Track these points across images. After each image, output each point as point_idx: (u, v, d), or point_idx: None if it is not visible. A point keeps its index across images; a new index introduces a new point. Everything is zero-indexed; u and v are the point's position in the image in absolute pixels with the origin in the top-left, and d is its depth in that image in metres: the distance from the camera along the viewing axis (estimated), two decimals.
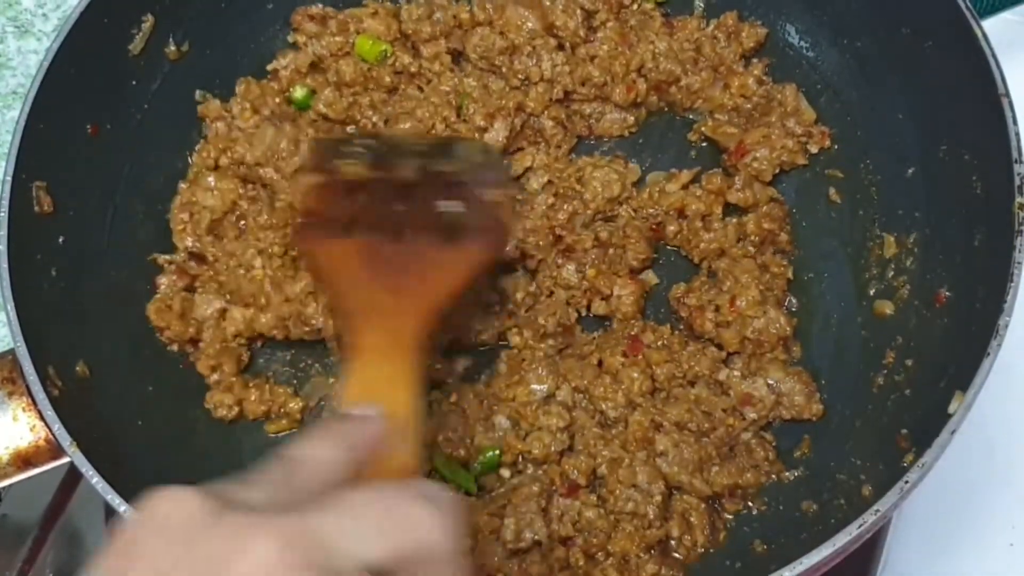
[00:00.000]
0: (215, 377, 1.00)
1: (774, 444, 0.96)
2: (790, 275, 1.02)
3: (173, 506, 0.53)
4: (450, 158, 0.91)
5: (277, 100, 1.09)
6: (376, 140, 0.94)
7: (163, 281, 1.01)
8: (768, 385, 0.95)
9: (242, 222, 1.04)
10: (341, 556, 0.51)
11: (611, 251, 1.02)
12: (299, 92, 1.09)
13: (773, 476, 0.94)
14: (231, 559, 0.49)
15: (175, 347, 1.00)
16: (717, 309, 0.99)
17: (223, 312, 1.00)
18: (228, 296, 1.00)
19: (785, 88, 1.07)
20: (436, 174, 0.89)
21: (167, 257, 1.02)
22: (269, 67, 1.10)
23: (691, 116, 1.11)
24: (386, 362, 0.72)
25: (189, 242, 1.02)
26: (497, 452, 0.94)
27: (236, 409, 0.98)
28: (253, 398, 0.99)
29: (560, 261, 1.01)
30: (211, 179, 1.04)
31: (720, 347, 0.98)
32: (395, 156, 0.91)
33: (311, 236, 0.85)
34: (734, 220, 1.03)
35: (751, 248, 1.02)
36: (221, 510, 0.52)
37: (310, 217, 0.86)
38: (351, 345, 0.73)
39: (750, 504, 0.94)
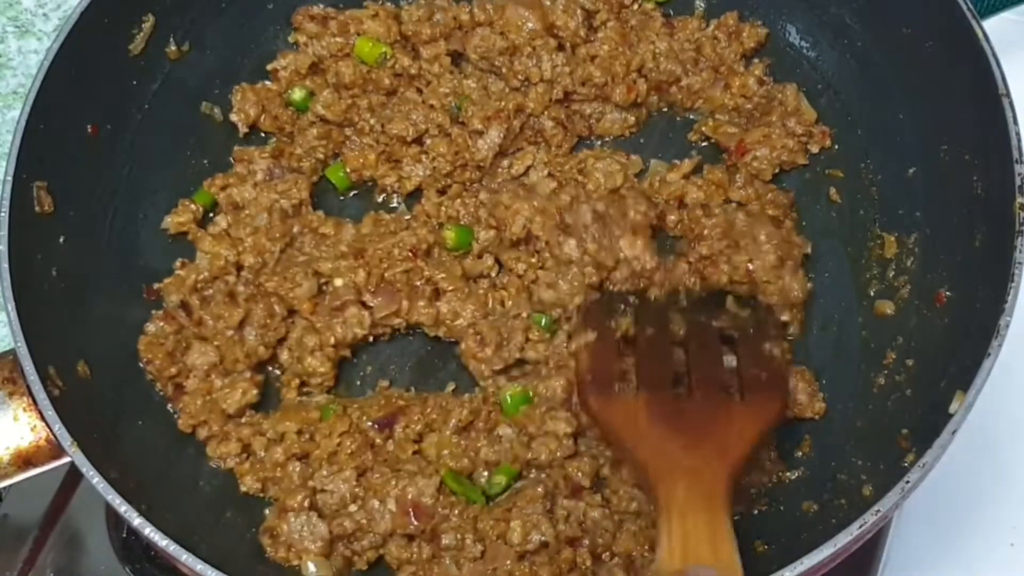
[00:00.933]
0: (203, 433, 0.97)
1: (775, 444, 0.95)
2: (808, 250, 1.02)
3: None
4: (718, 312, 0.91)
5: (276, 102, 1.09)
6: (643, 295, 0.95)
7: (151, 327, 0.99)
8: None
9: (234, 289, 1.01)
10: None
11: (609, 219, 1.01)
12: (297, 94, 1.09)
13: (776, 476, 0.94)
14: None
15: (157, 385, 0.98)
16: (733, 265, 0.98)
17: (215, 368, 0.98)
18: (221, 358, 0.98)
19: (786, 88, 1.08)
20: (706, 328, 0.90)
21: (157, 313, 1.00)
22: (269, 67, 1.10)
23: (692, 116, 1.11)
24: (702, 518, 0.72)
25: (174, 298, 1.00)
26: (513, 472, 0.94)
27: (244, 454, 0.96)
28: (254, 438, 0.96)
29: (561, 238, 1.00)
30: (208, 241, 1.03)
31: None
32: (663, 311, 0.92)
33: (596, 395, 0.85)
34: (734, 205, 1.04)
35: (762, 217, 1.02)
36: None
37: (588, 375, 0.87)
38: (661, 505, 0.74)
39: (752, 504, 0.94)
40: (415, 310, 0.99)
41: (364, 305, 0.99)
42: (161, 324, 0.98)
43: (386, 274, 1.00)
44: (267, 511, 0.94)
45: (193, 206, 1.05)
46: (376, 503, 0.91)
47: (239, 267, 1.02)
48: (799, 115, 1.06)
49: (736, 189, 1.04)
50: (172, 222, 1.04)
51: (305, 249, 1.03)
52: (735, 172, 1.05)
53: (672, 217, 1.04)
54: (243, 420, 0.97)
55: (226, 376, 0.98)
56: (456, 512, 0.92)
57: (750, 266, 0.98)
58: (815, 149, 1.07)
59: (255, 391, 0.97)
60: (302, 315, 1.00)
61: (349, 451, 0.94)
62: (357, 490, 0.92)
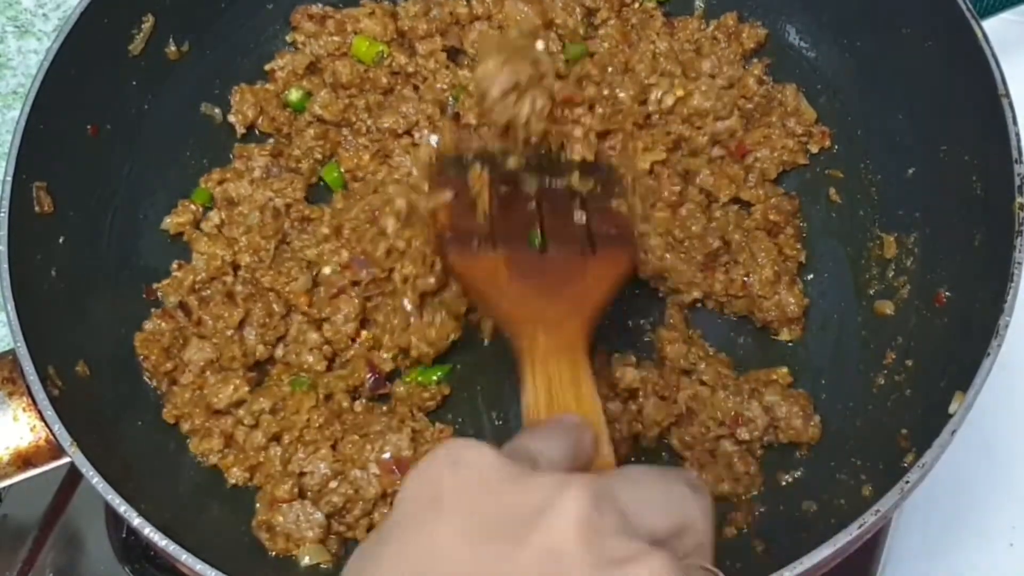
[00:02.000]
0: (186, 426, 0.96)
1: (759, 459, 0.95)
2: (802, 259, 1.02)
3: (476, 455, 0.53)
4: (563, 174, 0.92)
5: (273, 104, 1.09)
6: (490, 156, 0.95)
7: (148, 325, 0.98)
8: (764, 407, 0.94)
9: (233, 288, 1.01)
10: (635, 523, 0.52)
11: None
12: (295, 94, 1.09)
13: (753, 491, 0.93)
14: (543, 512, 0.49)
15: (152, 380, 0.97)
16: (729, 278, 0.99)
17: (211, 364, 0.98)
18: (219, 355, 0.98)
19: (785, 88, 1.08)
20: (556, 187, 0.90)
21: (156, 311, 1.00)
22: (267, 67, 1.10)
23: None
24: (564, 366, 0.73)
25: (173, 299, 1.00)
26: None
27: (226, 451, 0.96)
28: (236, 428, 0.96)
29: None
30: (203, 242, 1.03)
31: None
32: (516, 172, 0.91)
33: (458, 252, 0.85)
34: (736, 208, 1.04)
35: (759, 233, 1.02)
36: (528, 466, 0.53)
37: (450, 232, 0.87)
38: (523, 355, 0.75)
39: (751, 508, 0.93)
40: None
41: (355, 284, 0.99)
42: (159, 322, 0.98)
43: (357, 247, 1.00)
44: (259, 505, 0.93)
45: (193, 206, 1.05)
46: (358, 472, 0.92)
47: (236, 266, 1.02)
48: (799, 115, 1.06)
49: (748, 189, 1.04)
50: (172, 223, 1.04)
51: (295, 243, 1.04)
52: (749, 171, 1.05)
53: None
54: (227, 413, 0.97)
55: (220, 372, 0.98)
56: None
57: (746, 279, 0.98)
58: (815, 149, 1.07)
59: (246, 388, 0.96)
60: (299, 309, 1.00)
61: (317, 425, 0.94)
62: (336, 465, 0.92)
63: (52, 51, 0.93)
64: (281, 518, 0.90)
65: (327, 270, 1.01)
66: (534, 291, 0.81)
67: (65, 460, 0.84)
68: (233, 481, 0.94)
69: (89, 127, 0.98)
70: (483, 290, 0.84)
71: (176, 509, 0.88)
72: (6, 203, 0.89)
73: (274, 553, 0.91)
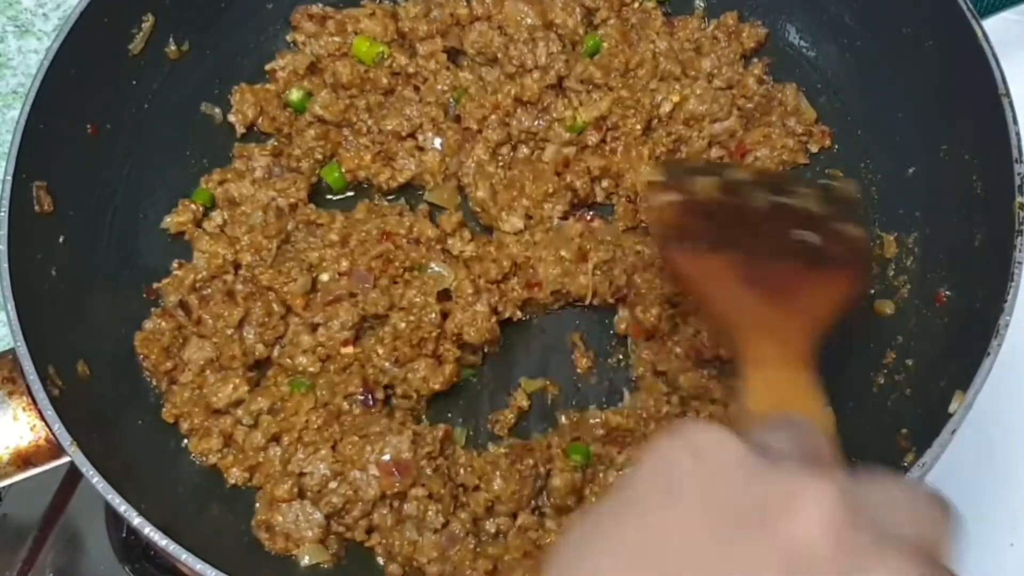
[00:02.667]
0: (185, 426, 0.96)
1: None
2: None
3: (718, 442, 0.51)
4: (797, 194, 0.91)
5: (274, 104, 1.09)
6: (724, 168, 0.95)
7: (148, 324, 0.98)
8: None
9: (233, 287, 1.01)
10: (881, 525, 0.49)
11: None
12: (295, 94, 1.09)
13: None
14: (789, 504, 0.47)
15: (152, 380, 0.97)
16: None
17: (211, 363, 0.97)
18: (218, 355, 0.98)
19: (785, 88, 1.07)
20: (785, 207, 0.89)
21: (156, 310, 1.00)
22: (267, 67, 1.10)
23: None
24: (790, 371, 0.71)
25: (173, 298, 1.00)
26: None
27: (225, 451, 0.95)
28: (235, 428, 0.96)
29: None
30: (205, 241, 1.02)
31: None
32: (745, 184, 0.92)
33: (683, 250, 0.85)
34: None
35: None
36: (771, 458, 0.51)
37: (674, 231, 0.86)
38: (747, 358, 0.73)
39: None
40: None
41: (352, 296, 0.99)
42: (160, 322, 0.98)
43: (360, 260, 1.00)
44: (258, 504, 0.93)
45: (193, 206, 1.05)
46: (357, 473, 0.91)
47: (237, 266, 1.02)
48: (799, 115, 1.07)
49: None
50: (172, 222, 1.04)
51: (299, 245, 1.03)
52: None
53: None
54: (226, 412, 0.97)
55: (220, 372, 0.97)
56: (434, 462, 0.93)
57: None
58: (815, 149, 1.07)
59: (246, 387, 0.96)
60: (295, 311, 1.00)
61: (316, 426, 0.94)
62: (335, 466, 0.92)
63: (52, 51, 0.93)
64: (280, 518, 0.90)
65: (325, 276, 1.00)
66: (759, 298, 0.79)
67: (65, 460, 0.84)
68: (232, 481, 0.94)
69: (89, 127, 0.98)
70: (708, 291, 0.82)
71: (176, 509, 0.88)
72: (6, 203, 0.88)
73: (273, 552, 0.90)
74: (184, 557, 0.77)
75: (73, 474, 0.98)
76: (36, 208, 0.92)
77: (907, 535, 0.50)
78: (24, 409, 0.86)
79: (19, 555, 1.00)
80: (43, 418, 0.83)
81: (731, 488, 0.49)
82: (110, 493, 0.79)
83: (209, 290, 1.01)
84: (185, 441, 0.96)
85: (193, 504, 0.93)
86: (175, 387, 0.97)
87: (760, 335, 0.75)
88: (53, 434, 0.82)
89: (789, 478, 0.49)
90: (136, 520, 0.79)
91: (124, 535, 1.00)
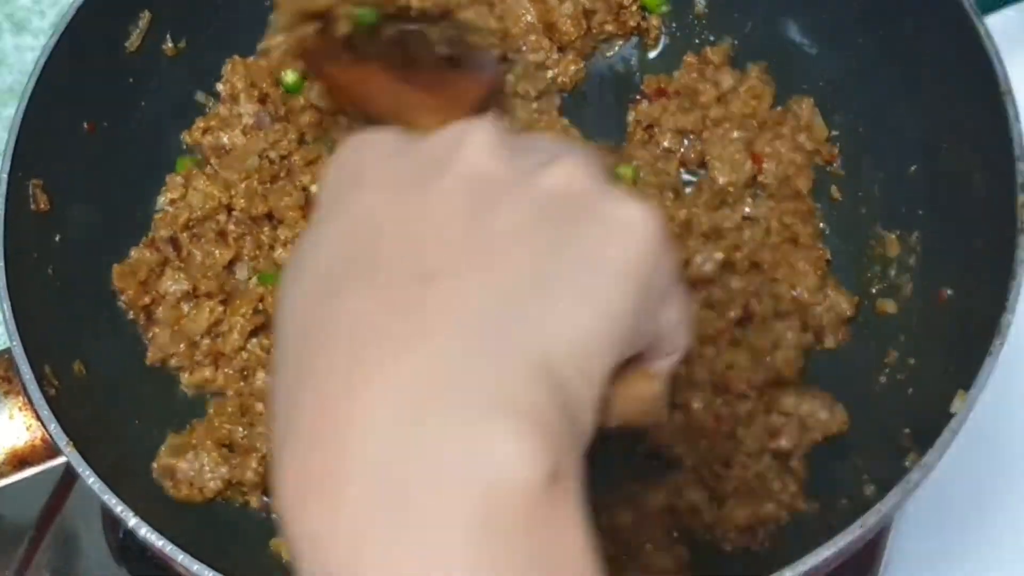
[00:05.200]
0: (173, 363, 0.97)
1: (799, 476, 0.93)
2: (828, 256, 1.01)
3: (382, 132, 0.54)
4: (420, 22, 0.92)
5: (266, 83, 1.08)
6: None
7: (134, 253, 0.99)
8: (783, 413, 0.93)
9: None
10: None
11: None
12: (290, 76, 1.07)
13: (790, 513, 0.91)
14: (456, 148, 0.49)
15: (130, 313, 0.98)
16: (775, 296, 0.97)
17: (187, 296, 0.98)
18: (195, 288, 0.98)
19: (803, 101, 1.06)
20: (413, 31, 0.89)
21: (144, 239, 1.01)
22: (260, 46, 1.08)
23: None
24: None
25: (163, 232, 1.00)
26: None
27: (216, 372, 0.97)
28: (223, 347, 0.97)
29: None
30: (201, 180, 1.02)
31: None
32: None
33: (331, 62, 0.85)
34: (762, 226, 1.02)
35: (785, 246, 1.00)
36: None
37: (319, 46, 0.86)
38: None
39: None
40: None
41: None
42: (145, 252, 0.99)
43: None
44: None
45: (179, 178, 1.04)
46: None
47: (230, 209, 1.02)
48: (811, 130, 1.05)
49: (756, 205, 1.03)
50: (164, 201, 1.03)
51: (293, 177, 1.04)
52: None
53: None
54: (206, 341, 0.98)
55: (193, 300, 0.98)
56: None
57: (794, 293, 0.97)
58: (820, 162, 1.05)
59: (221, 308, 0.97)
60: (287, 224, 1.00)
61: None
62: None
63: (48, 48, 0.93)
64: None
65: (316, 188, 1.01)
66: (414, 88, 0.79)
67: (61, 460, 0.83)
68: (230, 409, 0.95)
69: (86, 124, 0.98)
70: (365, 93, 0.82)
71: (173, 509, 0.87)
72: (2, 201, 0.88)
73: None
74: (181, 558, 0.77)
75: (69, 474, 0.97)
76: (32, 206, 0.92)
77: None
78: (20, 409, 0.86)
79: (15, 556, 1.00)
80: (39, 418, 0.82)
81: (407, 156, 0.50)
82: (106, 494, 0.79)
83: (201, 228, 1.01)
84: (178, 382, 0.97)
85: (192, 503, 0.92)
86: (156, 328, 0.97)
87: (423, 114, 0.75)
88: (49, 434, 0.82)
89: (452, 131, 0.50)
90: (132, 521, 0.78)
91: (121, 536, 1.00)
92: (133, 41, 1.01)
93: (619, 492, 0.92)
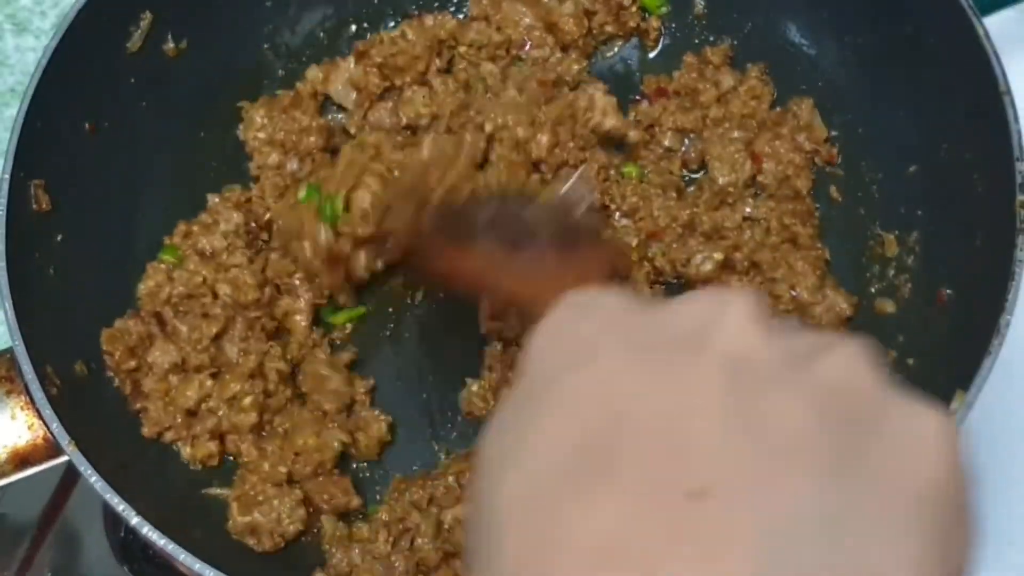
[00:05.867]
0: (171, 435, 0.94)
1: None
2: (827, 256, 1.01)
3: (602, 295, 0.48)
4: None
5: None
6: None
7: (119, 323, 0.95)
8: None
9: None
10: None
11: None
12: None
13: None
14: (712, 320, 0.42)
15: (116, 380, 0.94)
16: (774, 295, 0.98)
17: (175, 368, 0.94)
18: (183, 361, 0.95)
19: (803, 101, 1.06)
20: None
21: (130, 311, 0.97)
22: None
23: None
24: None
25: (148, 308, 0.97)
26: None
27: (220, 452, 0.94)
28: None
29: None
30: (193, 260, 0.99)
31: None
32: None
33: (446, 245, 0.84)
34: (762, 227, 1.02)
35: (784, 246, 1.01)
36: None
37: (433, 229, 0.88)
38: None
39: None
40: None
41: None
42: (129, 323, 0.95)
43: None
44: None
45: (163, 266, 0.99)
46: None
47: (215, 294, 0.98)
48: (811, 131, 1.05)
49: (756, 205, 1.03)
50: (144, 289, 0.98)
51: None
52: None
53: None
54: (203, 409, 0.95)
55: (181, 373, 0.95)
56: None
57: (793, 293, 0.97)
58: (820, 163, 1.06)
59: (209, 382, 0.94)
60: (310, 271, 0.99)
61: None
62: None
63: (50, 49, 0.93)
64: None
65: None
66: (534, 268, 0.78)
67: (63, 459, 0.84)
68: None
69: (87, 125, 0.98)
70: (485, 274, 0.81)
71: (175, 508, 0.87)
72: (3, 202, 0.88)
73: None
74: (183, 557, 0.77)
75: (71, 473, 0.98)
76: (34, 207, 0.92)
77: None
78: (21, 408, 0.86)
79: (17, 555, 1.00)
80: (41, 417, 0.83)
81: (642, 321, 0.45)
82: (108, 492, 0.79)
83: (185, 306, 0.97)
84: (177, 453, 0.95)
85: (192, 503, 0.93)
86: (148, 402, 0.94)
87: (546, 295, 0.75)
88: (51, 433, 0.82)
89: (699, 300, 0.45)
90: (134, 520, 0.79)
91: (123, 534, 1.00)
92: (135, 42, 1.01)
93: None
